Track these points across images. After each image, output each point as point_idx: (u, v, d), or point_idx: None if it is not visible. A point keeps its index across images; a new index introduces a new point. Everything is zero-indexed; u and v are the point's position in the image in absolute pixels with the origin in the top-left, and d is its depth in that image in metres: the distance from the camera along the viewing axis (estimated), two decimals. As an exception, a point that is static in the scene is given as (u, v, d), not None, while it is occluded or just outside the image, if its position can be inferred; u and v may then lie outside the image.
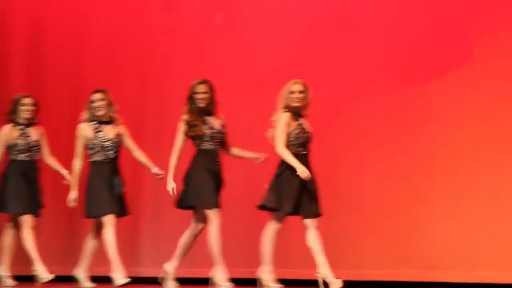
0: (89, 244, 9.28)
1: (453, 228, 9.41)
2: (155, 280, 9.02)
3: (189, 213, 8.81)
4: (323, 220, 8.43)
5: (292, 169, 7.96)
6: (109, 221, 8.84)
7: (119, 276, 8.77)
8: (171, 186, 8.52)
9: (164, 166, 9.00)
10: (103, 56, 11.28)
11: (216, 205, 8.44)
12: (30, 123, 9.51)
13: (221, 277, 8.28)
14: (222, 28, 10.67)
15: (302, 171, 7.94)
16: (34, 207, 9.51)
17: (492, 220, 8.99)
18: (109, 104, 8.88)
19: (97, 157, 8.76)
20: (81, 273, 9.27)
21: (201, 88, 8.51)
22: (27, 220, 9.35)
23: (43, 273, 9.28)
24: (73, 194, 8.81)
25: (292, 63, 9.95)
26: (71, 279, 9.44)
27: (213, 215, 8.41)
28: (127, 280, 8.85)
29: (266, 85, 9.67)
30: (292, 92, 8.20)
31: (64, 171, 9.46)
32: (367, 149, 9.73)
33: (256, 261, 8.42)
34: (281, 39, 10.31)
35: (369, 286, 9.41)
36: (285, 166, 8.11)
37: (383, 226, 9.55)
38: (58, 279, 9.59)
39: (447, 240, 9.46)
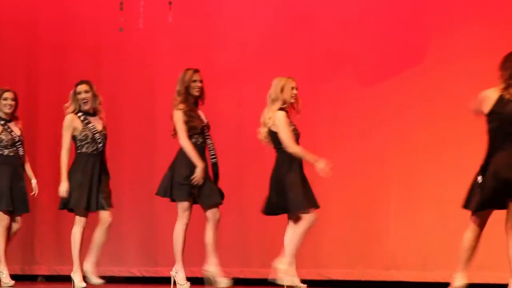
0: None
1: (410, 228, 9.51)
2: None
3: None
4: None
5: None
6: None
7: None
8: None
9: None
10: (55, 51, 11.16)
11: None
12: (11, 118, 9.42)
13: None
14: (175, 25, 10.60)
15: (319, 163, 7.94)
16: (18, 205, 9.43)
17: (448, 220, 9.06)
18: (94, 96, 8.73)
19: (85, 149, 8.59)
20: (89, 267, 8.93)
21: (198, 76, 8.41)
22: (2, 219, 9.31)
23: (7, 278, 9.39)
24: (64, 185, 8.54)
25: (242, 62, 9.89)
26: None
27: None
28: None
29: (219, 83, 9.69)
30: (292, 88, 8.19)
31: (34, 181, 9.43)
32: (323, 148, 9.56)
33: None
34: (233, 36, 10.28)
35: (328, 285, 9.43)
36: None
37: (341, 226, 9.57)
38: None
39: (404, 240, 9.56)
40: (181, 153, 8.43)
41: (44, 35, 11.43)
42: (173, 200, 8.44)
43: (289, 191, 8.02)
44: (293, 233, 8.15)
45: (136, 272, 10.28)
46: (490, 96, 7.59)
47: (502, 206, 7.35)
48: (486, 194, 7.34)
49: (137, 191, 10.33)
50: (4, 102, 9.34)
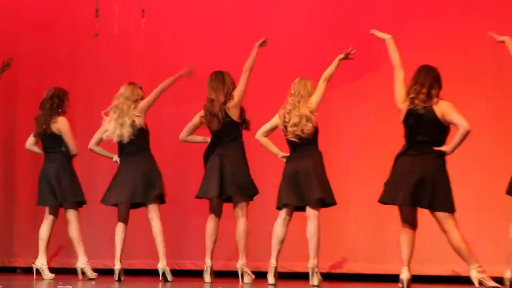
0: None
1: (367, 222, 9.56)
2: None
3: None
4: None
5: None
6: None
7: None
8: None
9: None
10: (33, 56, 11.21)
11: None
12: None
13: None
14: (148, 31, 10.72)
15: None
16: None
17: (374, 213, 9.07)
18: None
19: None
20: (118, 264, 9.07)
21: None
22: None
23: None
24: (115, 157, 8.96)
25: (212, 67, 9.31)
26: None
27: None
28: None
29: (190, 87, 9.61)
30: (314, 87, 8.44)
31: None
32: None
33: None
34: (202, 42, 10.26)
35: (291, 277, 9.31)
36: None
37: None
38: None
39: (362, 234, 9.65)
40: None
41: (22, 41, 11.40)
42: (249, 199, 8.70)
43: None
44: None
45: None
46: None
47: None
48: None
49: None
50: None
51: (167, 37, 10.73)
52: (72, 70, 10.79)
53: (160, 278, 8.81)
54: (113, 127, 8.86)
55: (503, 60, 8.46)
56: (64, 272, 10.06)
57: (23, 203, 10.86)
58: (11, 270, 10.89)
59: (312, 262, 8.16)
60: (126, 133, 8.81)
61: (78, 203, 9.38)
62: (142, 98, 8.95)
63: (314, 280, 8.10)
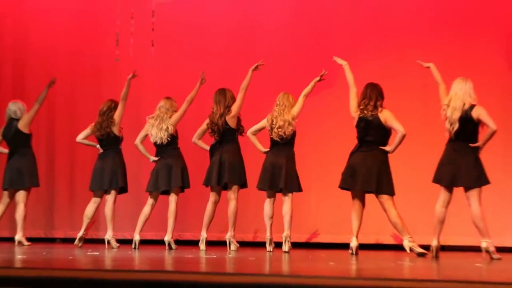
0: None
1: (330, 204, 9.52)
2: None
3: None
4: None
5: None
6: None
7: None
8: None
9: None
10: (65, 79, 10.82)
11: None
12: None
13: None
14: (156, 57, 10.59)
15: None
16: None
17: (336, 196, 8.88)
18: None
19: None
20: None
21: None
22: None
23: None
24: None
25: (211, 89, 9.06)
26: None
27: None
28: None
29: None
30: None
31: None
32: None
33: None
34: (198, 67, 9.45)
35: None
36: None
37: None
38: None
39: (327, 212, 9.63)
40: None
41: (58, 65, 11.11)
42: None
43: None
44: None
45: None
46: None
47: None
48: None
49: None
50: None
51: (171, 61, 10.54)
52: (98, 87, 10.59)
53: (166, 247, 8.80)
54: (155, 132, 8.86)
55: (428, 82, 8.50)
56: (91, 242, 9.99)
57: (61, 189, 10.85)
58: (51, 240, 10.78)
59: (285, 233, 8.31)
60: (164, 136, 8.82)
61: (121, 189, 9.29)
62: (176, 109, 8.93)
63: (286, 247, 8.28)
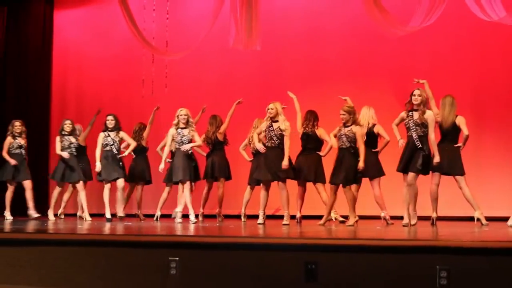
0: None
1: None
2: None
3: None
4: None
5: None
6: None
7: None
8: None
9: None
10: (112, 104, 10.77)
11: None
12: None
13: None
14: (170, 91, 10.17)
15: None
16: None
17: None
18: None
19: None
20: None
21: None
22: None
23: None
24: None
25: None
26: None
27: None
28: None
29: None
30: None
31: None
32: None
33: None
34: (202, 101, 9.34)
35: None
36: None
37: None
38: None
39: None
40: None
41: (104, 97, 11.13)
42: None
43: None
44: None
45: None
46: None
47: None
48: None
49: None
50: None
51: (179, 97, 10.41)
52: (130, 114, 10.24)
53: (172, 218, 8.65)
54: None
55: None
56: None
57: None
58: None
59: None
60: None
61: (148, 181, 9.03)
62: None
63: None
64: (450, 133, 7.03)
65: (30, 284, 5.32)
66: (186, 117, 7.88)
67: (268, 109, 7.64)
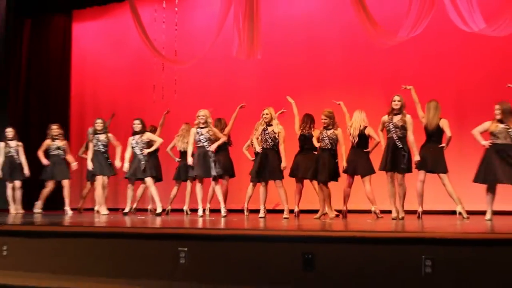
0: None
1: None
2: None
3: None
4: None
5: None
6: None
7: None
8: None
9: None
10: (126, 107, 10.88)
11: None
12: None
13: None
14: (179, 98, 10.20)
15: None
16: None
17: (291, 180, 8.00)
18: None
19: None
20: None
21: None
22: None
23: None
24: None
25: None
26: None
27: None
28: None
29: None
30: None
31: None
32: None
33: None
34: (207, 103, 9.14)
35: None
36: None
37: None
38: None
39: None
40: None
41: (116, 103, 11.13)
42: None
43: None
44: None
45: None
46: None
47: None
48: None
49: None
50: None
51: (187, 102, 10.38)
52: (142, 117, 9.01)
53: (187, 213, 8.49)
54: (180, 143, 8.63)
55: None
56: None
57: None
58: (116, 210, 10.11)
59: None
60: (185, 146, 8.38)
61: (155, 177, 8.67)
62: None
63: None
64: (434, 135, 6.99)
65: (53, 272, 5.42)
66: (204, 117, 7.78)
67: (263, 114, 7.64)
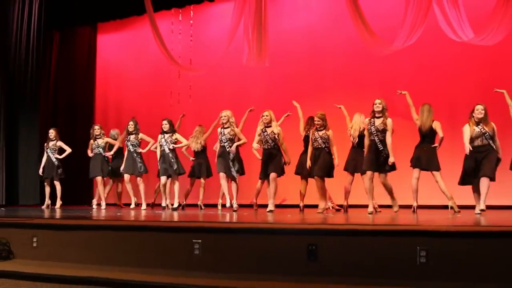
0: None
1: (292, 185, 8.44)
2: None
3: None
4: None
5: None
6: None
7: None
8: None
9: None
10: (148, 110, 10.77)
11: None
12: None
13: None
14: (193, 104, 10.25)
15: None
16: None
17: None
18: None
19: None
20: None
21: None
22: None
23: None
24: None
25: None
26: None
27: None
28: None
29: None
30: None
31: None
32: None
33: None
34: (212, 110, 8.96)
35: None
36: None
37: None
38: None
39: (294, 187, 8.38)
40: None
41: (136, 107, 10.98)
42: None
43: None
44: None
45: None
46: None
47: None
48: None
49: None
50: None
51: (200, 106, 10.41)
52: (160, 122, 8.58)
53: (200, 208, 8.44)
54: (194, 144, 8.57)
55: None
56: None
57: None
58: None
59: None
60: (199, 146, 8.42)
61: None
62: (205, 131, 8.42)
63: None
64: (428, 135, 6.90)
65: (79, 262, 5.42)
66: (226, 117, 7.56)
67: (263, 116, 7.47)
